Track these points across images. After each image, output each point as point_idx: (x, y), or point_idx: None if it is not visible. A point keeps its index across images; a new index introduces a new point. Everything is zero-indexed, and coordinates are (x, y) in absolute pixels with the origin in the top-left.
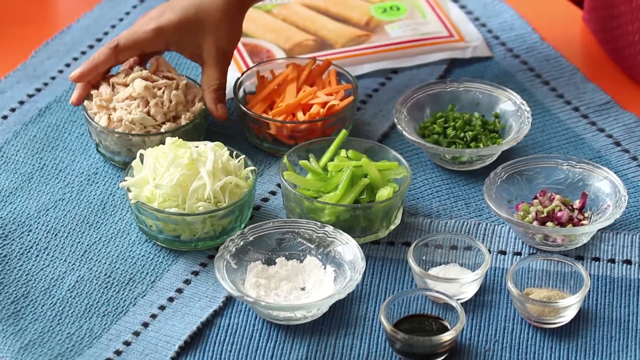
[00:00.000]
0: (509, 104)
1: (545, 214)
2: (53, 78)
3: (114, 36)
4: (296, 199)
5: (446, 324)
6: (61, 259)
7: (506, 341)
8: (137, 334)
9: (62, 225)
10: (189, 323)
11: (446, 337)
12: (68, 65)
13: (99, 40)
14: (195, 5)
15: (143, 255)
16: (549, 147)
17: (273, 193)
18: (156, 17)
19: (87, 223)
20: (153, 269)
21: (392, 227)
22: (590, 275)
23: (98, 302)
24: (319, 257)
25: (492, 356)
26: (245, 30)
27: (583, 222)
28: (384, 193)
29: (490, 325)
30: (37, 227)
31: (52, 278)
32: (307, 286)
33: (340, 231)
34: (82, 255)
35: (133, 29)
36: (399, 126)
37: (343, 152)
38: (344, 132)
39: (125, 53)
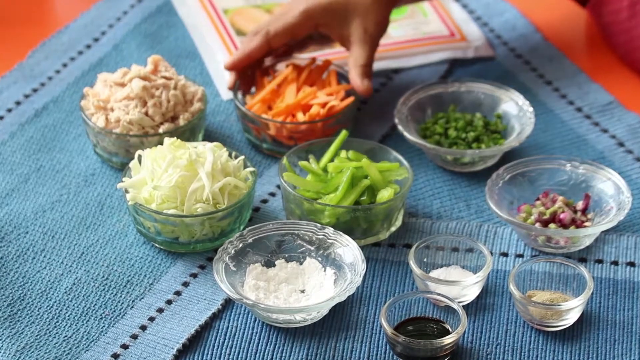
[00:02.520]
0: (511, 104)
1: (547, 216)
2: (50, 78)
3: (111, 36)
4: (296, 200)
5: (447, 326)
6: (58, 261)
7: (508, 344)
8: (135, 337)
9: (59, 227)
10: (188, 326)
11: (447, 340)
12: (65, 65)
13: (96, 39)
14: None
15: (141, 258)
16: (552, 147)
17: (272, 194)
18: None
19: (85, 225)
20: (151, 271)
21: (393, 228)
22: (593, 277)
23: (95, 304)
24: (319, 259)
25: (494, 359)
26: (244, 30)
27: (586, 223)
28: (384, 194)
29: (492, 328)
30: (33, 229)
31: (49, 280)
32: (307, 288)
33: (341, 233)
34: (80, 258)
35: (281, 13)
36: (400, 127)
37: (343, 153)
38: (344, 132)
39: (277, 39)
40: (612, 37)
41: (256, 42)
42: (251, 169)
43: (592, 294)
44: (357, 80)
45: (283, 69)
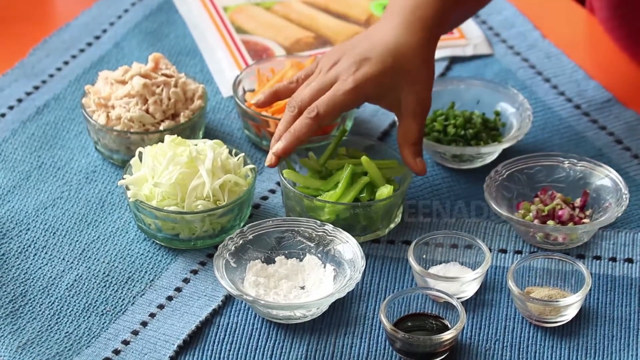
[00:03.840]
0: (510, 101)
1: (546, 213)
2: (51, 76)
3: (112, 34)
4: (296, 197)
5: (446, 322)
6: (59, 258)
7: (507, 340)
8: (135, 333)
9: (61, 224)
10: (188, 322)
11: (446, 336)
12: (66, 63)
13: (97, 37)
14: (392, 52)
15: (142, 254)
16: (550, 145)
17: (272, 191)
18: (352, 72)
19: (86, 221)
20: (152, 268)
21: (392, 225)
22: (591, 273)
23: (96, 301)
24: (319, 255)
25: (492, 355)
26: (244, 28)
27: (584, 220)
28: (384, 191)
29: (491, 324)
30: (35, 226)
31: (51, 277)
32: (306, 285)
33: (340, 230)
34: (81, 254)
35: (328, 85)
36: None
37: (343, 150)
38: (343, 129)
39: (327, 118)
40: (613, 31)
41: (306, 126)
42: (251, 166)
43: (590, 290)
44: (410, 160)
45: (284, 67)
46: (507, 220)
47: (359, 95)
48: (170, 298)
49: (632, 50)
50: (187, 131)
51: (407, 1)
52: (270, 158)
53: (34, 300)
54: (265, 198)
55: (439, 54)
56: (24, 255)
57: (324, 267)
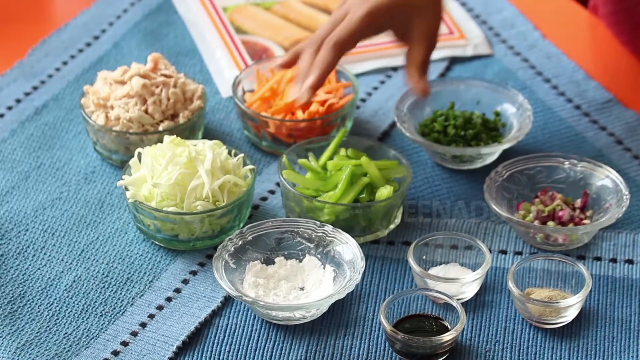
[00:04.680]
0: (510, 102)
1: (546, 213)
2: (50, 76)
3: (111, 34)
4: (295, 198)
5: (446, 324)
6: (58, 259)
7: (507, 341)
8: (134, 334)
9: (59, 225)
10: (187, 323)
11: (446, 337)
12: (65, 63)
13: (96, 37)
14: None
15: (141, 255)
16: (550, 145)
17: (272, 192)
18: (364, 1)
19: (85, 222)
20: (151, 269)
21: (392, 226)
22: (591, 275)
23: (95, 302)
24: (318, 256)
25: (492, 357)
26: (244, 28)
27: (584, 221)
28: (383, 192)
29: (491, 326)
30: (34, 227)
31: (49, 278)
32: (306, 286)
33: (340, 230)
34: (80, 255)
35: (338, 18)
36: (399, 124)
37: (343, 151)
38: (343, 130)
39: (347, 46)
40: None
41: (330, 55)
42: (250, 166)
43: (591, 291)
44: (414, 78)
45: None
46: (507, 221)
47: (372, 21)
48: (169, 299)
49: (634, 46)
50: (187, 132)
51: None
52: (304, 91)
53: (32, 301)
54: (264, 199)
55: (438, 54)
56: (23, 256)
57: (324, 268)
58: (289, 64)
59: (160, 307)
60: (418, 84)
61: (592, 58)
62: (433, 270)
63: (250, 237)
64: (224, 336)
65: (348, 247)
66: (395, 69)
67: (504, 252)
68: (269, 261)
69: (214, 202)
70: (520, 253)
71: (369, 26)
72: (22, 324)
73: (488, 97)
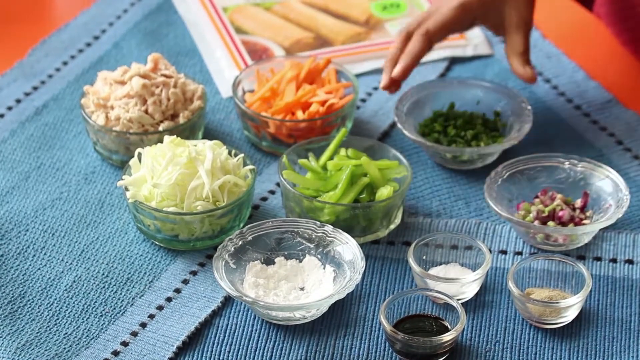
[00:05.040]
0: (510, 102)
1: (546, 214)
2: (50, 76)
3: (112, 34)
4: (295, 198)
5: (446, 324)
6: (58, 259)
7: (507, 341)
8: (135, 334)
9: (59, 225)
10: (187, 323)
11: (446, 337)
12: (65, 63)
13: (96, 38)
14: None
15: (141, 255)
16: (550, 145)
17: (272, 192)
18: None
19: (85, 222)
20: (151, 269)
21: (392, 226)
22: (591, 275)
23: (95, 302)
24: (319, 256)
25: (492, 357)
26: (244, 28)
27: (584, 221)
28: (384, 192)
29: (491, 326)
30: (34, 227)
31: (49, 278)
32: (306, 286)
33: (340, 230)
34: (80, 255)
35: (433, 10)
36: (399, 125)
37: (343, 151)
38: (343, 130)
39: (437, 36)
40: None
41: (419, 43)
42: (251, 166)
43: (591, 291)
44: (519, 68)
45: (283, 67)
46: (507, 221)
47: (466, 12)
48: (169, 299)
49: (634, 46)
50: (187, 132)
51: None
52: (389, 82)
53: (32, 302)
54: (264, 199)
55: (438, 54)
56: (23, 256)
57: (324, 268)
58: (396, 83)
59: (160, 307)
60: (525, 73)
61: (592, 58)
62: (433, 271)
63: (250, 237)
64: (224, 336)
65: (348, 247)
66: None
67: (504, 252)
68: (269, 261)
69: (214, 202)
70: (520, 253)
71: (460, 18)
72: (23, 324)
73: (488, 97)
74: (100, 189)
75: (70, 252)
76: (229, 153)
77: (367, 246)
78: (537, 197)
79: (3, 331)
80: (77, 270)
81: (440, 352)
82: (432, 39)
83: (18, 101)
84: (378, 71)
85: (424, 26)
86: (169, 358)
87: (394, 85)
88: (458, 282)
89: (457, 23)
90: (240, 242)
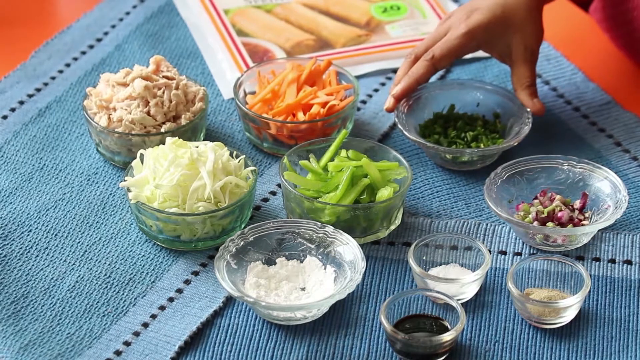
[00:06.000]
0: (510, 103)
1: (545, 214)
2: (53, 78)
3: (114, 37)
4: (296, 199)
5: (446, 324)
6: (61, 259)
7: (506, 341)
8: (137, 334)
9: (62, 226)
10: (189, 323)
11: (446, 337)
12: (68, 65)
13: (99, 40)
14: (501, 4)
15: (143, 256)
16: (550, 147)
17: (273, 193)
18: (464, 20)
19: (87, 223)
20: (153, 269)
21: (393, 227)
22: (590, 275)
23: (98, 302)
24: (319, 257)
25: (492, 356)
26: (245, 30)
27: (583, 222)
28: (384, 193)
29: (491, 326)
30: (37, 227)
31: (52, 278)
32: (307, 286)
33: (341, 231)
34: (82, 256)
35: (439, 34)
36: (399, 126)
37: (343, 152)
38: (344, 132)
39: (443, 62)
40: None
41: (423, 68)
42: (252, 168)
43: (590, 291)
44: (528, 102)
45: (284, 69)
46: (506, 221)
47: (471, 40)
48: (171, 299)
49: (630, 49)
50: (188, 133)
51: None
52: (389, 101)
53: (35, 302)
54: (266, 200)
55: None
56: (26, 257)
57: (325, 269)
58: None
59: (162, 308)
60: (534, 106)
61: (591, 60)
62: (433, 271)
63: (251, 238)
64: (226, 336)
65: (349, 248)
66: (395, 71)
67: (504, 252)
68: (270, 262)
69: (215, 203)
70: (519, 254)
71: (467, 45)
72: (25, 324)
73: (488, 99)
74: (103, 190)
75: (73, 253)
76: (231, 154)
77: (368, 247)
78: (536, 198)
79: (6, 331)
80: (80, 271)
81: (440, 352)
82: (436, 64)
83: (21, 103)
84: (379, 73)
85: (431, 51)
86: (170, 358)
87: (394, 105)
88: (458, 283)
89: (463, 50)
90: (241, 243)
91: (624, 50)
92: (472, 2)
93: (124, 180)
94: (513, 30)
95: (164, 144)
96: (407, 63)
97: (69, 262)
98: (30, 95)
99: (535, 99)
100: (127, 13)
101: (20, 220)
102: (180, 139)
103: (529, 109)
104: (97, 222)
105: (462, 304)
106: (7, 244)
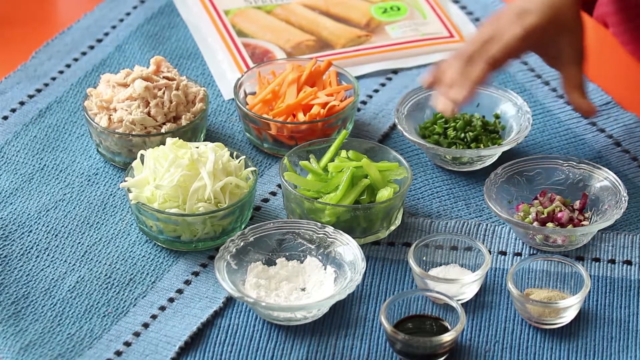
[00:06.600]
0: (510, 104)
1: (545, 215)
2: (53, 79)
3: (114, 37)
4: (296, 199)
5: (446, 324)
6: (61, 260)
7: (506, 342)
8: (137, 334)
9: (63, 226)
10: (189, 324)
11: (446, 337)
12: (68, 66)
13: (99, 41)
14: (550, 5)
15: (143, 256)
16: (550, 147)
17: (273, 194)
18: (517, 21)
19: (88, 224)
20: (153, 270)
21: (393, 227)
22: (590, 275)
23: (98, 302)
24: (320, 257)
25: (492, 357)
26: (245, 31)
27: (583, 222)
28: (384, 194)
29: (491, 326)
30: (37, 228)
31: (53, 279)
32: (307, 287)
33: (341, 232)
34: (83, 256)
35: (497, 33)
36: (399, 127)
37: (343, 153)
38: (344, 132)
39: (499, 63)
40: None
41: (483, 70)
42: (252, 168)
43: (589, 292)
44: (581, 102)
45: (284, 70)
46: (506, 222)
47: (528, 42)
48: (171, 300)
49: (636, 46)
50: (189, 134)
51: None
52: (447, 104)
53: (36, 302)
54: (266, 200)
55: (438, 57)
56: (26, 257)
57: (325, 269)
58: (434, 82)
59: (162, 308)
60: (586, 106)
61: (590, 60)
62: (433, 271)
63: (251, 239)
64: (226, 336)
65: (349, 248)
66: (395, 71)
67: (504, 253)
68: (270, 262)
69: (215, 204)
70: (519, 254)
71: (523, 47)
72: (26, 325)
73: (487, 99)
74: (103, 190)
75: (74, 253)
76: (231, 155)
77: (368, 247)
78: (536, 198)
79: (7, 331)
80: (80, 271)
81: (440, 352)
82: (494, 65)
83: (22, 103)
84: (379, 73)
85: (489, 53)
86: (171, 358)
87: (455, 108)
88: (458, 283)
89: (518, 52)
90: (241, 243)
91: (629, 47)
92: (519, 3)
93: (125, 181)
94: (564, 33)
95: (164, 144)
96: (460, 63)
97: (70, 263)
98: (30, 96)
99: (586, 98)
100: (128, 14)
101: (20, 221)
102: (181, 140)
103: (577, 109)
104: (98, 222)
105: (462, 304)
106: (8, 244)
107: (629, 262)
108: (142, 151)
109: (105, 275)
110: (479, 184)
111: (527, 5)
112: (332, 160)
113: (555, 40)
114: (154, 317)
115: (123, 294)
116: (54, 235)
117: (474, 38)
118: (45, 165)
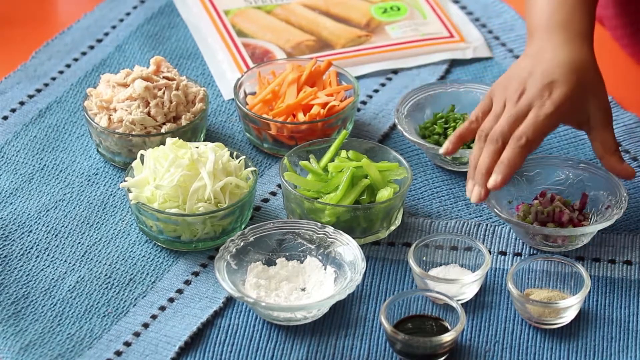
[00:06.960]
0: None
1: (545, 215)
2: (53, 79)
3: (114, 37)
4: (296, 199)
5: (446, 324)
6: (61, 260)
7: (506, 342)
8: (137, 334)
9: (63, 226)
10: (189, 324)
11: (446, 337)
12: (68, 66)
13: (99, 41)
14: (573, 70)
15: (143, 256)
16: (549, 147)
17: (273, 194)
18: (547, 96)
19: (88, 224)
20: (153, 270)
21: (393, 227)
22: (590, 275)
23: (98, 302)
24: (320, 257)
25: (492, 357)
26: (245, 31)
27: (583, 222)
28: (384, 194)
29: (491, 326)
30: (37, 228)
31: (53, 279)
32: (307, 287)
33: (341, 232)
34: (83, 256)
35: (522, 114)
36: (399, 127)
37: (343, 153)
38: (344, 132)
39: (535, 145)
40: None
41: (519, 155)
42: (252, 168)
43: (589, 292)
44: (619, 167)
45: (284, 70)
46: (506, 222)
47: (560, 117)
48: (171, 300)
49: (635, 49)
50: (189, 134)
51: (560, 17)
52: (480, 192)
53: (36, 302)
54: (266, 200)
55: (438, 57)
56: (26, 257)
57: (325, 269)
58: (454, 149)
59: (162, 308)
60: (625, 172)
61: None
62: (433, 271)
63: (251, 239)
64: (226, 336)
65: (349, 249)
66: (395, 71)
67: (504, 253)
68: (270, 262)
69: (215, 204)
70: (519, 254)
71: (556, 122)
72: (26, 325)
73: None
74: (103, 190)
75: (74, 253)
76: (231, 155)
77: (368, 247)
78: (536, 198)
79: (7, 331)
80: (80, 271)
81: (440, 353)
82: (530, 148)
83: (21, 103)
84: (379, 73)
85: (521, 135)
86: (171, 358)
87: (486, 196)
88: (458, 283)
89: (551, 129)
90: (241, 243)
91: (628, 49)
92: (541, 71)
93: (124, 181)
94: (589, 97)
95: (164, 144)
96: (493, 149)
97: (70, 263)
98: (30, 96)
99: (623, 161)
100: (128, 14)
101: (20, 221)
102: (181, 140)
103: (619, 175)
104: (98, 222)
105: (462, 304)
106: (8, 244)
107: (629, 262)
108: (142, 151)
109: (105, 275)
110: None
111: (553, 74)
112: (332, 160)
113: (584, 106)
114: (154, 317)
115: (123, 294)
116: (54, 235)
117: (504, 117)
118: (45, 165)
